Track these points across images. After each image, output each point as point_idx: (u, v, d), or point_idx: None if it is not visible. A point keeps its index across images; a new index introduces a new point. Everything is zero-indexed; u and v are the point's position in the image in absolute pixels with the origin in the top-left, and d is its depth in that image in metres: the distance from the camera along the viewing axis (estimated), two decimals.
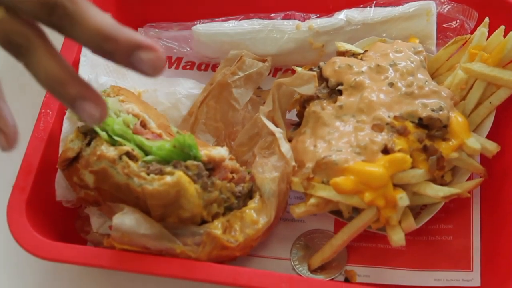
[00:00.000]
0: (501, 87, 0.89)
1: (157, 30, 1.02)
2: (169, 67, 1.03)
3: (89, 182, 0.83)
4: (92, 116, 0.62)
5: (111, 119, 0.82)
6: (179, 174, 0.79)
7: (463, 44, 0.93)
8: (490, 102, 0.90)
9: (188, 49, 1.01)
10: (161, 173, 0.79)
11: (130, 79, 0.96)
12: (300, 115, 0.93)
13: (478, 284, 0.88)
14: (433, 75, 0.93)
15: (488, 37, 0.91)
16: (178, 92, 0.96)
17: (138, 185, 0.79)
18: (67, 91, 0.62)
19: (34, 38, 0.63)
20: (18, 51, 0.63)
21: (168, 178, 0.78)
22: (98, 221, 0.88)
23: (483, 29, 0.91)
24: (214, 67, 1.03)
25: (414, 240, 0.88)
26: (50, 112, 0.91)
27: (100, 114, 0.62)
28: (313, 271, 0.89)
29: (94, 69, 0.93)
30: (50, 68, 0.62)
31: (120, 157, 0.80)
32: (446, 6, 0.97)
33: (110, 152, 0.80)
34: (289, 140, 0.89)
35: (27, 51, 0.62)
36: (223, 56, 0.98)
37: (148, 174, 0.79)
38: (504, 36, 0.89)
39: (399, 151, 0.84)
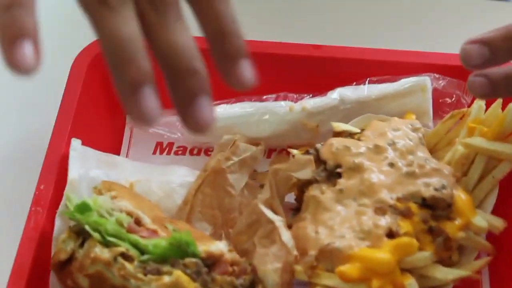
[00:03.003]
0: (503, 161, 0.85)
1: None
2: (161, 153, 0.99)
3: (84, 286, 0.77)
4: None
5: (103, 219, 0.77)
6: (178, 273, 0.74)
7: (461, 118, 0.89)
8: (492, 177, 0.85)
9: (179, 134, 0.97)
10: (159, 273, 0.74)
11: (122, 170, 0.91)
12: (299, 199, 0.88)
13: None
14: (432, 150, 0.89)
15: (486, 110, 0.87)
16: (172, 181, 0.91)
17: (136, 287, 0.74)
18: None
19: None
20: None
21: (166, 278, 0.74)
22: None
23: (480, 102, 0.87)
24: (207, 151, 0.98)
25: None
26: (41, 210, 0.85)
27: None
28: None
29: (84, 162, 0.87)
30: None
31: (115, 259, 0.75)
32: (441, 81, 0.93)
33: (105, 254, 0.75)
34: (289, 227, 0.84)
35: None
36: (215, 141, 0.93)
37: (145, 275, 0.74)
38: (503, 108, 0.86)
39: (404, 234, 0.79)
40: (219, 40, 0.57)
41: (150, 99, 0.54)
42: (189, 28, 0.57)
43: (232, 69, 0.57)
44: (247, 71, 0.57)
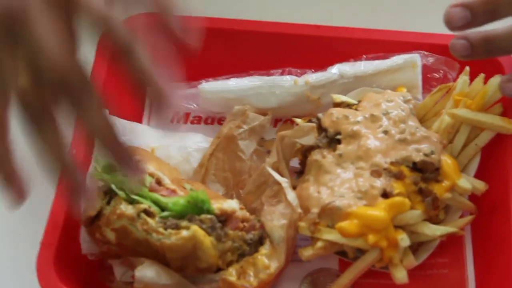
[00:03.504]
0: (485, 129, 0.82)
1: None
2: (178, 122, 0.95)
3: (111, 239, 0.74)
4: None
5: (128, 180, 0.74)
6: (195, 228, 0.71)
7: (447, 92, 0.85)
8: (475, 144, 0.82)
9: (195, 105, 0.93)
10: (178, 227, 0.72)
11: (144, 137, 0.87)
12: (303, 163, 0.84)
13: None
14: (421, 120, 0.85)
15: (470, 84, 0.84)
16: (188, 146, 0.88)
17: (157, 240, 0.71)
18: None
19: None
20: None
21: (184, 232, 0.71)
22: (120, 270, 0.79)
23: (464, 77, 0.84)
24: (220, 121, 0.94)
25: (413, 274, 0.78)
26: None
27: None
28: None
29: None
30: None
31: (138, 215, 0.72)
32: (430, 58, 0.90)
33: (129, 210, 0.72)
34: (294, 187, 0.81)
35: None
36: (227, 111, 0.90)
37: (166, 229, 0.72)
38: (485, 83, 0.82)
39: (397, 194, 0.76)
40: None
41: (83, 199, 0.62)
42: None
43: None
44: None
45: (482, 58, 0.80)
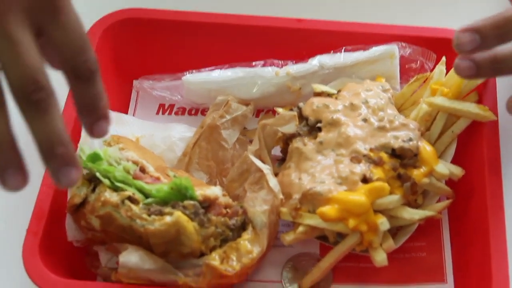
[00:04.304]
0: (461, 117, 0.81)
1: (150, 81, 0.93)
2: (163, 113, 0.94)
3: (96, 226, 0.73)
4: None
5: (112, 167, 0.73)
6: (178, 214, 0.70)
7: (424, 81, 0.85)
8: (452, 131, 0.81)
9: (179, 97, 0.92)
10: (161, 213, 0.70)
11: (129, 127, 0.86)
12: (284, 151, 0.83)
13: None
14: (399, 109, 0.85)
15: (446, 73, 0.83)
16: (172, 135, 0.86)
17: (141, 226, 0.70)
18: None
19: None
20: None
21: (167, 218, 0.70)
22: (106, 256, 0.77)
23: (441, 67, 0.83)
24: (203, 112, 0.93)
25: (392, 257, 0.77)
26: None
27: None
28: None
29: None
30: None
31: (122, 202, 0.71)
32: (407, 49, 0.88)
33: (113, 197, 0.71)
34: (276, 175, 0.79)
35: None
36: (211, 102, 0.88)
37: (149, 216, 0.70)
38: None
39: (377, 180, 0.75)
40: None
41: (74, 174, 0.58)
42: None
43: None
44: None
45: (487, 78, 0.80)
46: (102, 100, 0.61)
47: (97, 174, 0.73)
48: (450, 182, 0.82)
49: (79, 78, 0.59)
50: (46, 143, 0.57)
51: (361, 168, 0.76)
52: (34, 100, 0.56)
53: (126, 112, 0.93)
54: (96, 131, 0.61)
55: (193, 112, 0.94)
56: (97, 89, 0.60)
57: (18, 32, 0.56)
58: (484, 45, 0.73)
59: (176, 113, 0.94)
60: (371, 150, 0.77)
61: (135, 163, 0.75)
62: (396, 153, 0.77)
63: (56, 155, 0.57)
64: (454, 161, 0.81)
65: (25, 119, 0.57)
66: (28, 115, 0.57)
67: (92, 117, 0.60)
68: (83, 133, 0.79)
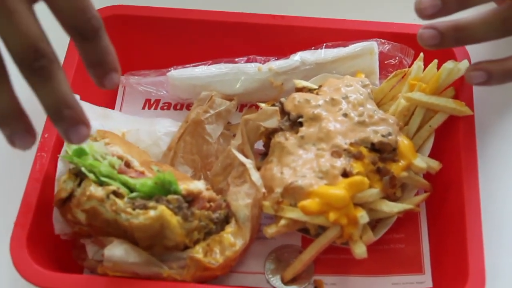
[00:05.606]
0: (438, 112, 0.79)
1: (136, 77, 0.90)
2: (149, 108, 0.91)
3: (82, 219, 0.71)
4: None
5: (98, 162, 0.71)
6: (162, 208, 0.68)
7: (403, 77, 0.83)
8: (429, 126, 0.80)
9: (165, 92, 0.89)
10: (145, 208, 0.68)
11: (115, 122, 0.84)
12: (266, 146, 0.81)
13: (431, 285, 0.77)
14: (379, 104, 0.82)
15: (424, 69, 0.81)
16: (157, 130, 0.84)
17: (125, 220, 0.68)
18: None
19: None
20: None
21: (152, 212, 0.68)
22: (92, 249, 0.75)
23: (419, 63, 0.81)
24: (188, 107, 0.91)
25: (372, 249, 0.75)
26: (45, 155, 0.78)
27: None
28: (286, 282, 0.77)
29: None
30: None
31: (107, 196, 0.69)
32: (386, 45, 0.86)
33: (98, 192, 0.69)
34: (258, 169, 0.78)
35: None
36: (195, 97, 0.86)
37: (134, 210, 0.68)
38: (438, 68, 0.80)
39: (357, 174, 0.73)
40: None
41: (84, 131, 0.58)
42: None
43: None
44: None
45: (450, 47, 0.76)
46: (110, 54, 0.60)
47: (83, 169, 0.71)
48: (428, 175, 0.80)
49: (85, 38, 0.58)
50: (53, 107, 0.56)
51: (341, 163, 0.74)
52: (36, 68, 0.55)
53: (113, 107, 0.90)
54: (108, 83, 0.60)
55: (178, 107, 0.91)
56: (104, 44, 0.59)
57: (13, 1, 0.54)
58: (446, 9, 0.69)
59: (162, 108, 0.91)
60: (351, 144, 0.75)
61: (120, 158, 0.73)
62: (375, 147, 0.76)
63: (64, 118, 0.57)
64: (431, 155, 0.80)
65: (30, 86, 0.56)
66: (33, 83, 0.56)
67: (102, 71, 0.60)
68: None
